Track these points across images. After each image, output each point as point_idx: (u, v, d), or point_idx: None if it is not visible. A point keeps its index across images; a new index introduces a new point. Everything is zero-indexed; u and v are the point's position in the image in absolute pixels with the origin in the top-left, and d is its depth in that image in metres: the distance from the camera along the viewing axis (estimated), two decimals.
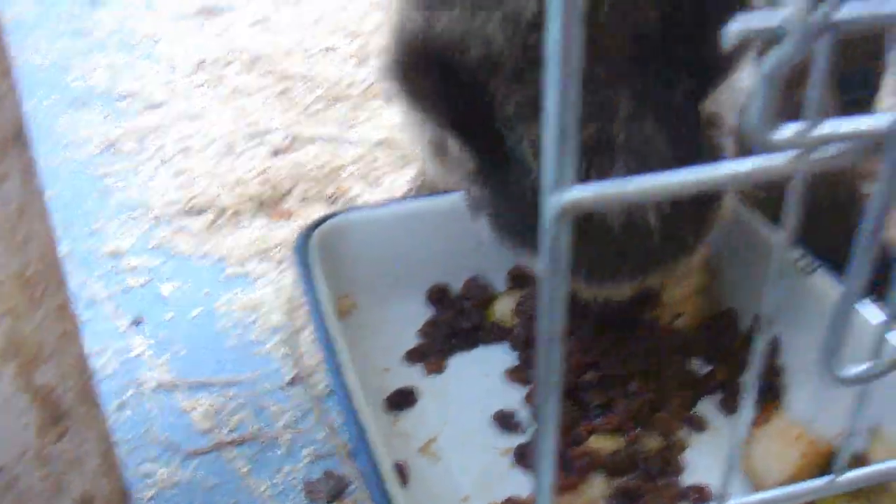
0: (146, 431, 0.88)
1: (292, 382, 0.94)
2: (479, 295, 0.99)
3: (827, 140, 0.41)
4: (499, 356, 0.94)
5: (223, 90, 1.50)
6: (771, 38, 0.36)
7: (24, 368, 0.49)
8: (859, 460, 0.81)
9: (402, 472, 0.81)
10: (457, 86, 0.71)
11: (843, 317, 0.47)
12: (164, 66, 1.60)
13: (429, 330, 0.97)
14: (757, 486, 0.81)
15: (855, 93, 1.12)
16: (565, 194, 0.38)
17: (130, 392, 0.92)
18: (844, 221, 1.00)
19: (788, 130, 0.40)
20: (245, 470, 0.84)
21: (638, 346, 0.92)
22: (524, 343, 0.94)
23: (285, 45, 1.63)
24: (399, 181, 1.22)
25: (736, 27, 0.35)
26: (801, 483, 0.58)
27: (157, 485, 0.83)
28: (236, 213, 1.19)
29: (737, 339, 0.92)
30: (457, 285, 1.00)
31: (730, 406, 0.89)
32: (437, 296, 0.99)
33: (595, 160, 0.68)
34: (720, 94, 0.73)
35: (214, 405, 0.91)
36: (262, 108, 1.43)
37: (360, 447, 0.72)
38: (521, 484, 0.80)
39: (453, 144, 0.75)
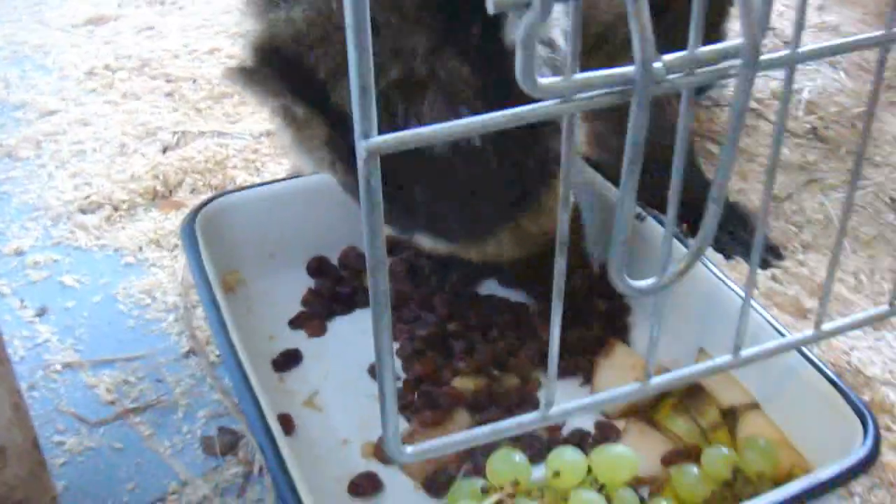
0: (55, 407, 0.97)
1: (187, 355, 1.03)
2: (355, 263, 1.10)
3: (580, 87, 0.54)
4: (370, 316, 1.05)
5: (114, 95, 1.58)
6: (522, 6, 0.48)
7: None
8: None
9: (287, 423, 0.91)
10: (295, 72, 0.81)
11: (622, 235, 0.59)
12: (56, 75, 1.67)
13: (310, 298, 1.07)
14: (604, 412, 0.94)
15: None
16: (371, 141, 0.50)
17: (39, 374, 1.01)
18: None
19: (549, 81, 0.52)
20: (147, 433, 0.94)
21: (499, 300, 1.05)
22: (396, 306, 1.05)
23: (172, 49, 1.72)
24: (280, 168, 1.32)
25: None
26: (617, 388, 0.71)
27: (67, 452, 0.92)
28: (131, 208, 1.28)
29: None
30: (334, 256, 1.11)
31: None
32: (317, 266, 1.10)
33: (405, 97, 0.79)
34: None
35: (117, 379, 1.00)
36: (152, 110, 1.52)
37: (245, 402, 0.82)
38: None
39: (308, 123, 0.84)
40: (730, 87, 1.53)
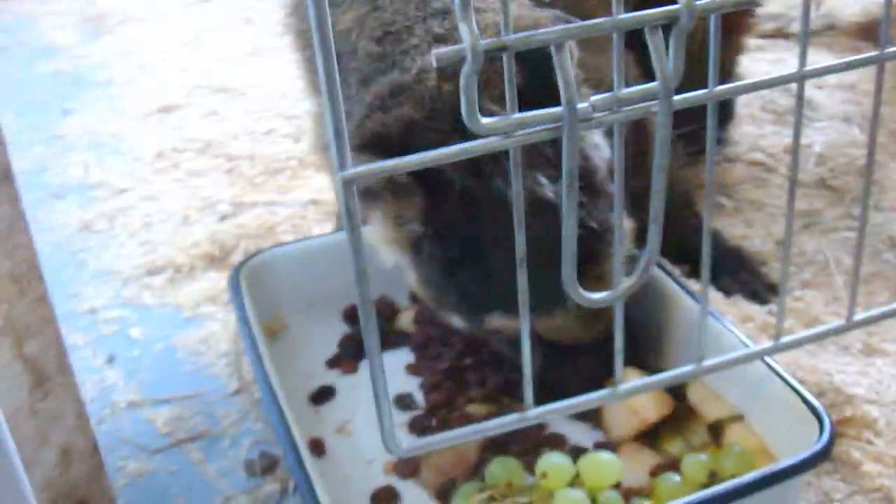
0: (119, 438, 1.10)
1: (235, 393, 1.16)
2: (386, 311, 1.22)
3: (518, 125, 0.66)
4: (402, 356, 1.17)
5: (179, 174, 1.74)
6: (459, 61, 0.60)
7: (16, 342, 0.71)
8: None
9: (318, 446, 1.03)
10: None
11: (570, 250, 0.70)
12: (129, 157, 1.84)
13: (345, 342, 1.19)
14: (608, 437, 1.03)
15: None
16: (346, 172, 0.63)
17: (107, 411, 1.15)
18: (680, 224, 1.24)
19: (490, 121, 0.65)
20: (198, 458, 1.07)
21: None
22: (420, 345, 1.17)
23: (232, 131, 1.89)
24: (325, 230, 1.46)
25: (436, 54, 0.59)
26: (589, 394, 0.81)
27: (128, 475, 1.05)
28: (191, 270, 1.42)
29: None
30: None
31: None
32: (352, 314, 1.22)
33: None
34: None
35: (173, 414, 1.13)
36: (213, 185, 1.68)
37: (279, 428, 0.93)
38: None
39: (407, 191, 0.92)
40: (741, 145, 1.63)
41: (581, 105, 0.66)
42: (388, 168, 0.66)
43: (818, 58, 1.86)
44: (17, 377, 0.73)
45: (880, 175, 1.53)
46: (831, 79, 1.88)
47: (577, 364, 1.03)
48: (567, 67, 0.64)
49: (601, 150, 0.97)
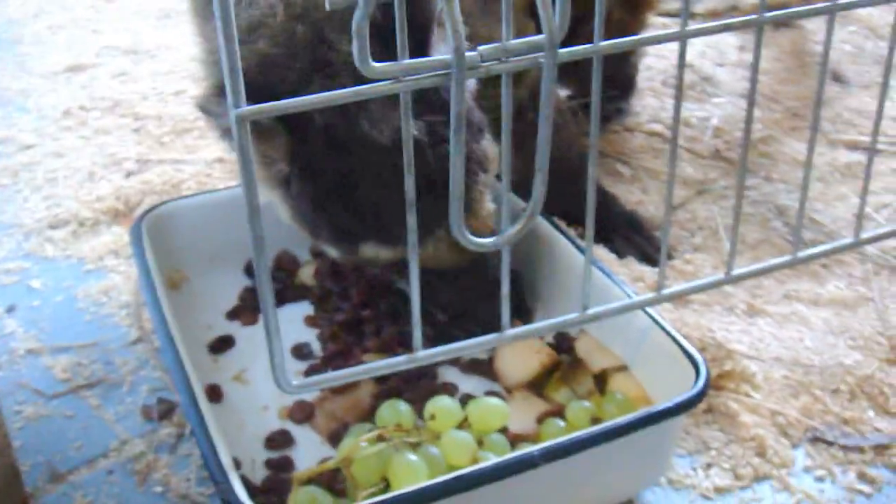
0: (17, 383, 1.10)
1: (136, 342, 1.17)
2: (287, 265, 1.24)
3: (409, 70, 0.68)
4: (302, 308, 1.19)
5: (86, 131, 1.73)
6: (353, 6, 0.62)
7: None
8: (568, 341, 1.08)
9: (216, 392, 1.05)
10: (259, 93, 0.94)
11: (458, 192, 0.72)
12: (35, 115, 1.83)
13: (245, 294, 1.21)
14: (502, 385, 1.07)
15: None
16: (241, 109, 0.64)
17: (4, 358, 1.15)
18: (576, 188, 1.28)
19: (382, 65, 0.67)
20: (95, 404, 1.08)
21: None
22: (319, 298, 1.19)
23: (141, 91, 1.88)
24: None
25: None
26: (477, 339, 0.84)
27: (25, 419, 1.05)
28: (95, 224, 1.42)
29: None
30: (269, 258, 1.24)
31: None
32: (253, 268, 1.23)
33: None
34: None
35: (72, 362, 1.14)
36: (119, 143, 1.67)
37: (176, 374, 0.95)
38: (308, 394, 1.04)
39: (271, 133, 0.94)
40: (642, 116, 1.68)
41: (469, 53, 0.68)
42: (283, 107, 0.68)
43: (720, 38, 1.93)
44: None
45: (773, 149, 1.59)
46: (732, 56, 1.95)
47: (472, 314, 1.07)
48: (456, 15, 0.66)
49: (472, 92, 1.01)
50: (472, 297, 1.08)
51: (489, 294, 1.07)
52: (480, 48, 0.70)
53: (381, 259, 1.02)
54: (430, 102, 0.95)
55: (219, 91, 0.97)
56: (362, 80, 0.95)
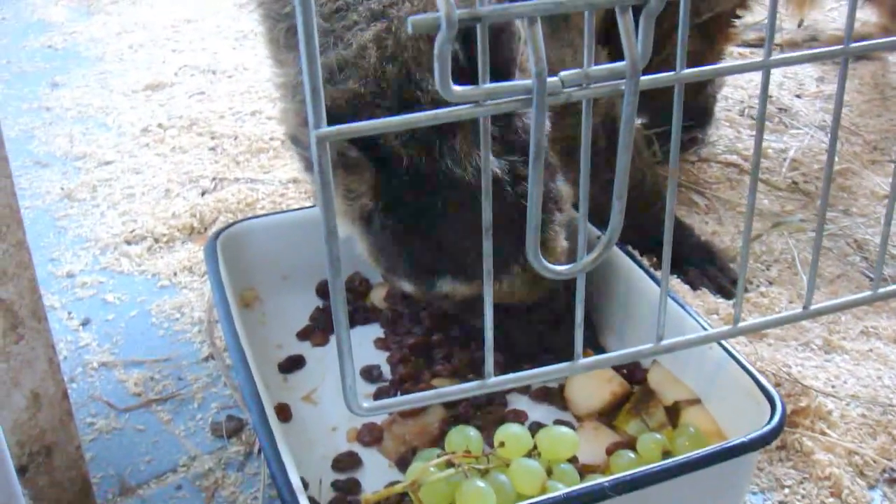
0: (90, 396, 1.12)
1: (207, 359, 1.18)
2: (358, 287, 1.24)
3: (489, 95, 0.68)
4: (372, 331, 1.19)
5: (163, 149, 1.76)
6: (435, 30, 0.62)
7: None
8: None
9: (285, 412, 1.05)
10: None
11: (534, 220, 0.72)
12: (115, 132, 1.86)
13: (317, 315, 1.21)
14: (572, 414, 1.06)
15: None
16: (321, 130, 0.65)
17: (79, 370, 1.16)
18: (648, 217, 1.27)
19: (462, 89, 0.67)
20: (166, 419, 1.09)
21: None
22: (390, 321, 1.19)
23: (218, 111, 1.90)
24: None
25: (411, 21, 0.61)
26: (551, 366, 0.83)
27: (97, 431, 1.07)
28: (170, 241, 1.44)
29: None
30: None
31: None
32: (325, 289, 1.24)
33: (441, 135, 0.94)
34: None
35: (145, 376, 1.15)
36: (196, 161, 1.69)
37: (247, 393, 0.95)
38: (377, 417, 1.04)
39: (357, 166, 0.96)
40: (718, 146, 1.66)
41: (551, 79, 0.68)
42: (362, 129, 0.68)
43: (799, 68, 1.90)
44: None
45: (852, 182, 1.56)
46: (811, 88, 1.92)
47: (546, 340, 1.06)
48: (539, 41, 0.66)
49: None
50: (542, 330, 1.08)
51: (559, 327, 1.06)
52: (562, 74, 0.69)
53: (457, 294, 1.02)
54: (510, 143, 0.96)
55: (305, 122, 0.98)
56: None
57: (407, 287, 1.04)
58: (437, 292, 1.02)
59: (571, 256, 1.11)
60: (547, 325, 1.08)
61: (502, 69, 0.94)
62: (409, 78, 0.95)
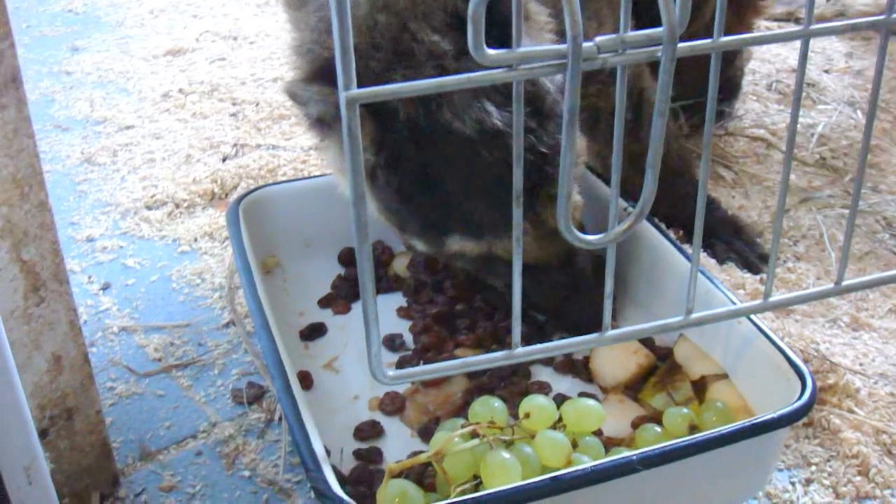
0: (110, 360, 1.11)
1: (227, 325, 1.17)
2: (381, 255, 1.23)
3: (523, 59, 0.66)
4: (395, 300, 1.18)
5: (184, 114, 1.75)
6: None
7: (14, 246, 0.72)
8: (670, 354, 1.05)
9: (306, 379, 1.04)
10: None
11: (566, 188, 0.70)
12: (135, 96, 1.85)
13: (338, 283, 1.20)
14: (597, 385, 1.04)
15: None
16: (351, 91, 0.63)
17: (98, 335, 1.16)
18: (675, 190, 1.25)
19: (496, 53, 0.65)
20: (186, 385, 1.08)
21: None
22: (413, 290, 1.18)
23: (240, 77, 1.89)
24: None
25: None
26: (578, 338, 0.82)
27: (117, 396, 1.06)
28: (190, 206, 1.43)
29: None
30: None
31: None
32: (347, 256, 1.23)
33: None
34: None
35: (165, 342, 1.14)
36: (217, 127, 1.68)
37: (269, 360, 0.94)
38: (399, 386, 1.03)
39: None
40: (745, 120, 1.64)
41: (587, 44, 0.66)
42: (394, 91, 0.67)
43: (827, 43, 1.87)
44: (13, 280, 0.74)
45: (881, 159, 1.54)
46: (839, 63, 1.89)
47: (564, 312, 1.05)
48: (575, 4, 0.64)
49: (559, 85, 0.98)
50: (562, 295, 1.06)
51: (579, 291, 1.05)
52: (598, 39, 0.68)
53: (468, 252, 1.01)
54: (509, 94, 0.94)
55: (308, 77, 0.96)
56: (445, 70, 0.95)
57: (419, 245, 1.03)
58: (448, 250, 1.01)
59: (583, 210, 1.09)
60: (566, 292, 1.06)
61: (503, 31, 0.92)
62: (404, 28, 0.93)
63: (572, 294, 1.06)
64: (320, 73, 0.94)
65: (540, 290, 1.05)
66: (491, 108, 0.92)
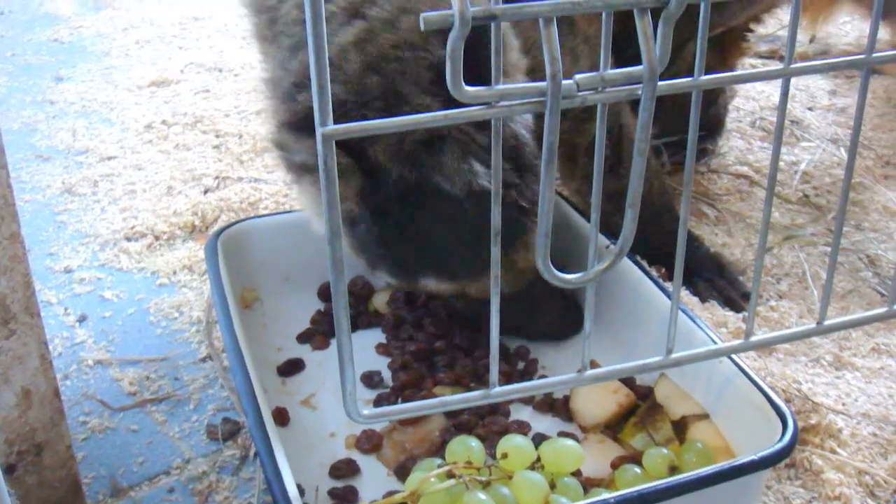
0: (84, 394, 1.10)
1: (205, 359, 1.16)
2: (360, 291, 1.22)
3: (502, 96, 0.65)
4: (374, 336, 1.17)
5: (167, 146, 1.74)
6: (448, 27, 0.60)
7: None
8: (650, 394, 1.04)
9: (282, 416, 1.03)
10: None
11: (545, 227, 0.70)
12: (118, 127, 1.84)
13: (318, 318, 1.19)
14: (577, 424, 1.03)
15: None
16: (327, 128, 0.62)
17: (73, 367, 1.14)
18: (658, 228, 1.25)
19: (475, 90, 0.64)
20: (161, 419, 1.06)
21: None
22: (392, 326, 1.16)
23: (223, 109, 1.88)
24: None
25: (424, 17, 0.59)
26: (558, 377, 0.81)
27: (90, 430, 1.04)
28: (170, 238, 1.42)
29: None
30: None
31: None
32: (327, 292, 1.22)
33: (428, 150, 0.94)
34: None
35: (140, 376, 1.13)
36: (199, 159, 1.67)
37: (244, 395, 0.93)
38: (376, 424, 1.01)
39: (345, 172, 0.95)
40: (728, 158, 1.64)
41: (566, 82, 0.66)
42: (369, 128, 0.66)
43: (811, 81, 1.88)
44: None
45: (864, 197, 1.54)
46: (823, 101, 1.90)
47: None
48: (554, 42, 0.64)
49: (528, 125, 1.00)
50: (528, 315, 1.11)
51: (538, 305, 1.10)
52: (577, 76, 0.67)
53: (441, 291, 1.03)
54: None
55: (292, 125, 0.96)
56: (435, 128, 0.95)
57: (389, 280, 1.05)
58: (420, 288, 1.03)
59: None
60: (529, 310, 1.10)
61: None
62: (395, 90, 0.93)
63: (532, 310, 1.11)
64: (305, 122, 0.93)
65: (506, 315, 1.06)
66: (478, 168, 0.94)
